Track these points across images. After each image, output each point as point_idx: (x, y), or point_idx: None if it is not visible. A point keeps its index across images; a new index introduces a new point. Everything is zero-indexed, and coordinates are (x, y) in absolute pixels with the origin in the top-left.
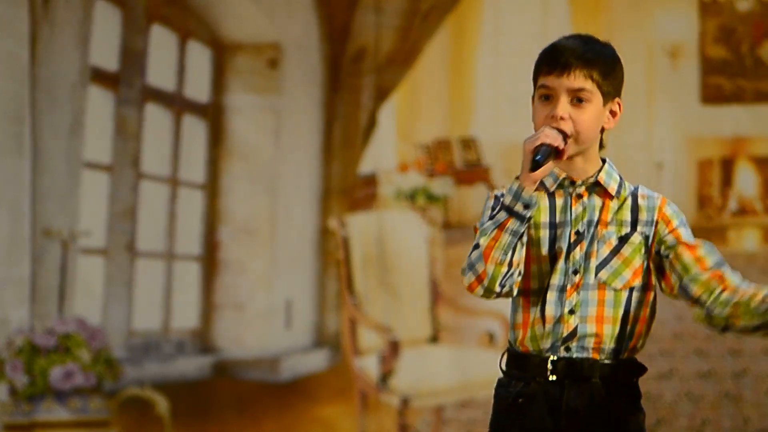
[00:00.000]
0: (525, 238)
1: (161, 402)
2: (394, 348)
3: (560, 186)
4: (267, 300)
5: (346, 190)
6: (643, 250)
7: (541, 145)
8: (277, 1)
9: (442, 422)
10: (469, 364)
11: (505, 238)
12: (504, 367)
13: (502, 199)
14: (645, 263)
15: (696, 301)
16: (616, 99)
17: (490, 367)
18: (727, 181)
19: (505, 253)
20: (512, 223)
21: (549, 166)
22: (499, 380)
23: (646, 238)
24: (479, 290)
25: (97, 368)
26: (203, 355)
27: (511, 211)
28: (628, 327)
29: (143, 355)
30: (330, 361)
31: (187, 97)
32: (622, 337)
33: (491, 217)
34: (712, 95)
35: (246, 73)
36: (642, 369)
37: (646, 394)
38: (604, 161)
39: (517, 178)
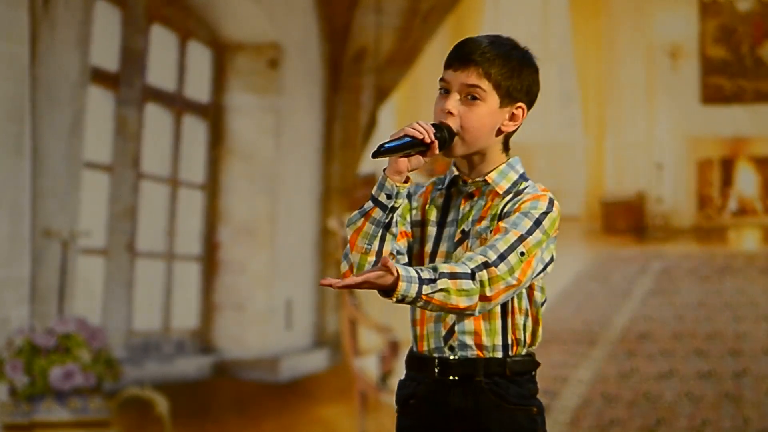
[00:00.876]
0: (396, 230)
1: (161, 402)
2: (393, 348)
3: (454, 185)
4: (267, 300)
5: (346, 190)
6: None
7: (404, 135)
8: (278, 2)
9: None
10: None
11: (368, 227)
12: (406, 366)
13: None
14: None
15: None
16: (518, 103)
17: None
18: (727, 181)
19: (369, 243)
20: (376, 213)
21: (416, 159)
22: (399, 381)
23: None
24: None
25: (97, 368)
26: (203, 355)
27: (375, 201)
28: (508, 320)
29: (143, 355)
30: (330, 362)
31: (188, 97)
32: (504, 331)
33: (360, 207)
34: (712, 95)
35: (246, 73)
36: (533, 364)
37: (645, 395)
38: (507, 161)
39: (384, 170)
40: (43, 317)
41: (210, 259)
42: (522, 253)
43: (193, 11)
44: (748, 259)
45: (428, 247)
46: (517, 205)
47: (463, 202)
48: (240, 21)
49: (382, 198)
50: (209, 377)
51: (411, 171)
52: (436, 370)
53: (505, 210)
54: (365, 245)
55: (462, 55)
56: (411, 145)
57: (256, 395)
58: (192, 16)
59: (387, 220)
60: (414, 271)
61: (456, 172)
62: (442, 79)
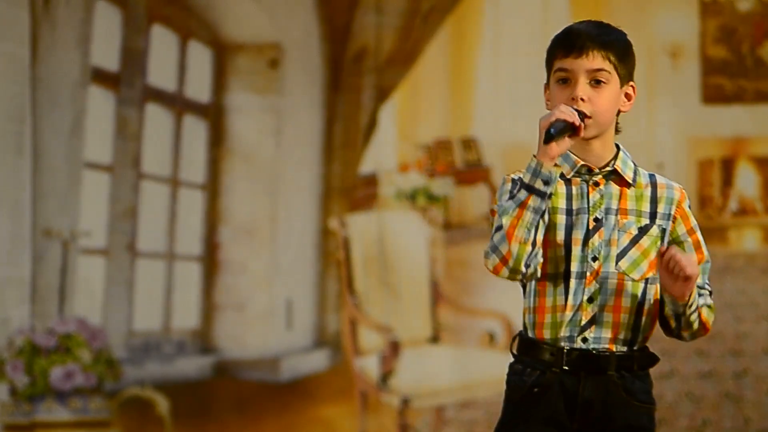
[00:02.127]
0: (546, 217)
1: (162, 402)
2: (394, 348)
3: (577, 173)
4: (267, 300)
5: (347, 190)
6: (659, 243)
7: (556, 120)
8: (278, 2)
9: (443, 422)
10: (470, 364)
11: (528, 216)
12: (515, 352)
13: (521, 178)
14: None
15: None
16: (631, 82)
17: (491, 367)
18: (727, 181)
19: (529, 231)
20: (533, 201)
21: (566, 143)
22: (513, 367)
23: (663, 231)
24: (504, 272)
25: (98, 368)
26: (204, 355)
27: (531, 189)
28: (643, 318)
29: (144, 355)
30: (330, 361)
31: (188, 98)
32: (637, 328)
33: (511, 197)
34: (712, 95)
35: (246, 73)
36: (655, 359)
37: None
38: (618, 148)
39: (534, 156)
40: (43, 317)
41: (210, 259)
42: None
43: (193, 11)
44: (748, 259)
45: (560, 236)
46: (680, 210)
47: (590, 190)
48: (240, 21)
49: (539, 185)
50: (210, 377)
51: (559, 155)
52: (565, 360)
53: (660, 211)
54: (525, 235)
55: (581, 42)
56: (567, 129)
57: (256, 395)
58: (192, 16)
59: (544, 207)
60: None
61: (580, 162)
62: (560, 69)
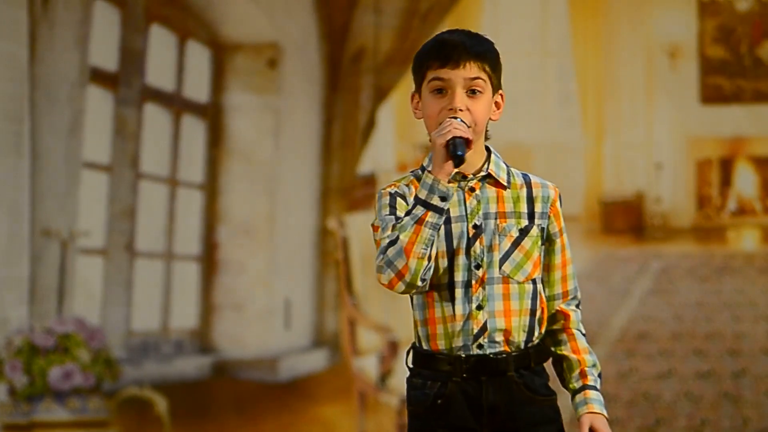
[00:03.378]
0: (441, 231)
1: (160, 402)
2: (393, 348)
3: (452, 181)
4: (266, 300)
5: (345, 190)
6: (540, 242)
7: (454, 138)
8: (277, 2)
9: None
10: None
11: (426, 232)
12: (411, 365)
13: (417, 194)
14: (542, 254)
15: None
16: (500, 91)
17: None
18: (726, 181)
19: (426, 247)
20: (431, 217)
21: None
22: (411, 382)
23: (542, 230)
24: (400, 286)
25: (96, 368)
26: (202, 355)
27: (428, 205)
28: (534, 318)
29: (142, 355)
30: (329, 361)
31: (187, 97)
32: (530, 327)
33: (407, 213)
34: (711, 95)
35: (245, 73)
36: (548, 352)
37: (644, 395)
38: (489, 151)
39: (429, 171)
40: (42, 317)
41: (209, 259)
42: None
43: (192, 11)
44: (747, 259)
45: (441, 246)
46: (553, 209)
47: (466, 196)
48: (239, 21)
49: (436, 201)
50: (208, 377)
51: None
52: (464, 368)
53: (537, 210)
54: (423, 250)
55: (458, 53)
56: (467, 145)
57: (255, 395)
58: (191, 16)
59: (441, 223)
60: (597, 396)
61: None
62: (435, 79)
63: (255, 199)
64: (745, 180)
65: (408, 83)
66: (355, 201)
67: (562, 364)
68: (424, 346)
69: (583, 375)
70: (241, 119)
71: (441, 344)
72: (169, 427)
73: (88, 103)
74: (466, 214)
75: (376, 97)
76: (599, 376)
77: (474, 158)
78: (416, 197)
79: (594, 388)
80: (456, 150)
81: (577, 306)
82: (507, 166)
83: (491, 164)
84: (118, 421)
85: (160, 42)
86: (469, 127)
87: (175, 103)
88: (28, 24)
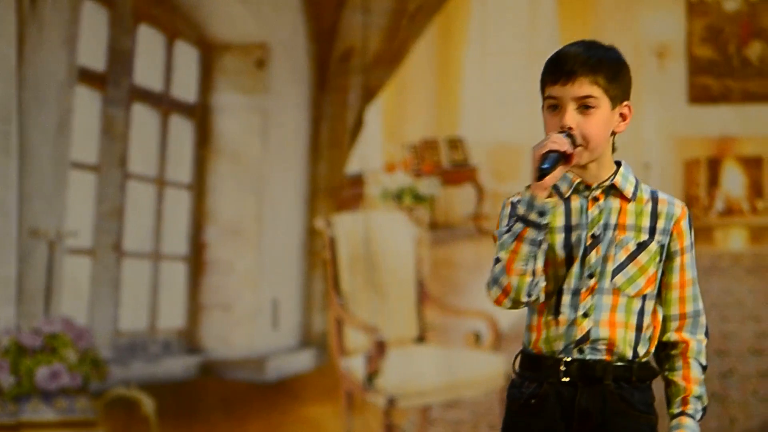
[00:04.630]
0: (545, 246)
1: (147, 402)
2: (380, 348)
3: (575, 191)
4: (254, 300)
5: (333, 190)
6: (658, 259)
7: (549, 151)
8: (265, 2)
9: (429, 422)
10: (456, 364)
11: (525, 248)
12: (517, 369)
13: (517, 210)
14: (659, 271)
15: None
16: (625, 102)
17: (477, 367)
18: (713, 181)
19: (527, 264)
20: (530, 233)
21: (558, 172)
22: (512, 381)
23: (662, 246)
24: (506, 303)
25: (84, 368)
26: (190, 355)
27: (526, 221)
28: (641, 333)
29: (129, 355)
30: (316, 361)
31: (175, 97)
32: (635, 342)
33: (508, 229)
34: (699, 95)
35: (233, 73)
36: (654, 372)
37: None
38: (618, 164)
39: (529, 186)
40: (29, 317)
41: (197, 259)
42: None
43: (180, 11)
44: (734, 259)
45: (559, 255)
46: (677, 227)
47: (589, 205)
48: (227, 21)
49: (534, 217)
50: (196, 377)
51: (552, 185)
52: (562, 370)
53: (659, 226)
54: (523, 267)
55: (567, 69)
56: (560, 160)
57: (242, 395)
58: (179, 16)
59: (541, 239)
60: (696, 415)
61: (577, 179)
62: (549, 97)
63: (243, 199)
64: (733, 180)
65: (396, 83)
66: (343, 201)
67: (670, 389)
68: (529, 350)
69: (684, 402)
70: (229, 119)
71: (543, 348)
72: (157, 427)
73: (76, 103)
74: (586, 223)
75: (364, 97)
76: (704, 410)
77: (599, 172)
78: (516, 212)
79: (691, 417)
80: (543, 163)
81: (705, 335)
82: (636, 180)
83: (618, 176)
84: (106, 422)
85: (148, 42)
86: (577, 145)
87: (163, 103)
88: (15, 24)
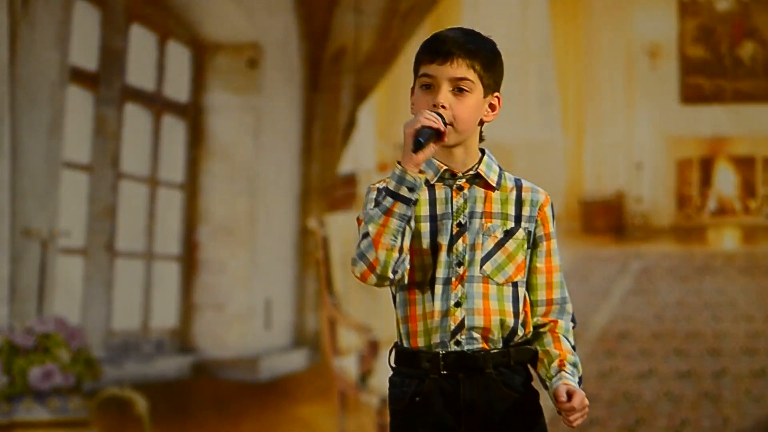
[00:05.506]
0: (413, 224)
1: (140, 402)
2: (373, 348)
3: (440, 179)
4: (246, 300)
5: (326, 189)
6: (525, 246)
7: (422, 127)
8: (257, 2)
9: None
10: None
11: (394, 222)
12: (393, 364)
13: (386, 186)
14: (527, 258)
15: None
16: (496, 93)
17: None
18: (706, 180)
19: (395, 238)
20: (399, 207)
21: (431, 149)
22: (391, 380)
23: (529, 233)
24: (372, 278)
25: (77, 368)
26: (182, 354)
27: (396, 196)
28: (514, 319)
29: (122, 354)
30: (309, 361)
31: (167, 97)
32: (510, 328)
33: (376, 203)
34: (691, 95)
35: (226, 72)
36: (531, 351)
37: (625, 394)
38: (483, 153)
39: (399, 162)
40: (22, 317)
41: (189, 259)
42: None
43: (172, 11)
44: (727, 258)
45: (425, 243)
46: (542, 213)
47: (454, 194)
48: (219, 21)
49: (404, 192)
50: (188, 377)
51: (424, 161)
52: (442, 365)
53: (525, 214)
54: (391, 241)
55: (447, 49)
56: (434, 136)
57: (235, 395)
58: (171, 16)
59: (409, 214)
60: (574, 377)
61: (443, 166)
62: (424, 75)
63: (235, 198)
64: (726, 180)
65: (388, 83)
66: (336, 201)
67: (544, 360)
68: (405, 344)
69: (561, 365)
70: (222, 119)
71: (421, 341)
72: (150, 426)
73: (69, 103)
74: (452, 212)
75: (356, 97)
76: (580, 378)
77: (465, 159)
78: (385, 188)
79: (570, 374)
80: (418, 136)
81: (571, 320)
82: (500, 169)
83: (482, 165)
84: (99, 421)
85: (140, 42)
86: (447, 124)
87: (156, 103)
88: (7, 24)
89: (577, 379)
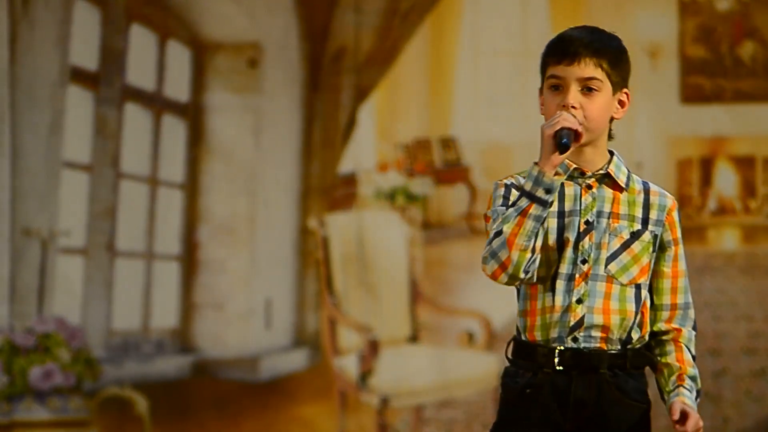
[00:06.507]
0: (545, 224)
1: (141, 402)
2: (373, 347)
3: (570, 177)
4: (246, 299)
5: (326, 189)
6: (651, 249)
7: (562, 129)
8: (257, 1)
9: (422, 422)
10: (449, 364)
11: (529, 224)
12: (510, 356)
13: (522, 185)
14: (652, 261)
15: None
16: (624, 89)
17: (470, 366)
18: (706, 180)
19: (529, 239)
20: (535, 209)
21: (570, 150)
22: (506, 370)
23: (655, 237)
24: (503, 277)
25: (77, 368)
26: (183, 354)
27: (532, 197)
28: (635, 320)
29: (123, 354)
30: (309, 361)
31: (167, 97)
32: (629, 329)
33: (512, 204)
34: (691, 95)
35: (226, 72)
36: (648, 358)
37: None
38: (612, 153)
39: (536, 163)
40: (22, 317)
41: (189, 259)
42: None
43: (172, 11)
44: (727, 258)
45: (552, 239)
46: (669, 218)
47: (583, 192)
48: (220, 20)
49: (540, 193)
50: (189, 377)
51: (561, 163)
52: (557, 360)
53: (652, 217)
54: (525, 242)
55: (573, 50)
56: (573, 136)
57: (235, 394)
58: (171, 16)
59: (545, 216)
60: (692, 392)
61: (572, 165)
62: (552, 76)
63: (236, 198)
64: (726, 180)
65: (388, 83)
66: (336, 200)
67: (664, 371)
68: (523, 337)
69: (680, 379)
70: (222, 119)
71: (538, 335)
72: (150, 426)
73: (69, 103)
74: (580, 210)
75: (356, 97)
76: (698, 392)
77: (594, 158)
78: (522, 188)
79: (688, 390)
80: (561, 138)
81: (693, 328)
82: (628, 171)
83: (612, 165)
84: (99, 421)
85: (140, 41)
86: (580, 124)
87: (156, 103)
88: (8, 23)
89: (695, 394)
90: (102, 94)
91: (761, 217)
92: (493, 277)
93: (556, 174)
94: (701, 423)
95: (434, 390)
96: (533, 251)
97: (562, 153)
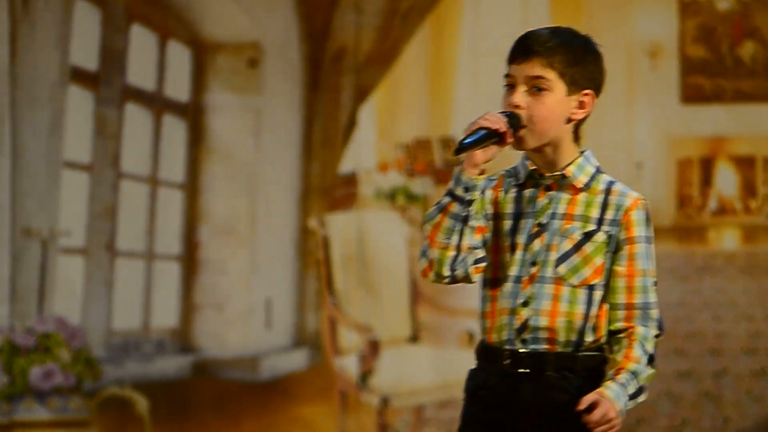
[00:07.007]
0: (474, 223)
1: (141, 401)
2: (373, 347)
3: (530, 178)
4: (247, 299)
5: (326, 189)
6: (605, 249)
7: (477, 128)
8: (258, 1)
9: (422, 422)
10: (449, 364)
11: (448, 221)
12: (476, 357)
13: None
14: (607, 262)
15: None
16: (586, 90)
17: (470, 366)
18: (706, 180)
19: (448, 237)
20: (454, 207)
21: (492, 150)
22: (469, 371)
23: (610, 237)
24: (431, 275)
25: (77, 368)
26: (183, 354)
27: (452, 195)
28: (587, 323)
29: (123, 354)
30: (310, 361)
31: (167, 97)
32: (580, 332)
33: (437, 202)
34: (692, 95)
35: (226, 72)
36: (600, 358)
37: None
38: (581, 154)
39: (461, 162)
40: (22, 317)
41: (190, 259)
42: (655, 291)
43: (172, 10)
44: (727, 258)
45: (506, 241)
46: (626, 217)
47: (540, 194)
48: (220, 20)
49: (460, 192)
50: (189, 376)
51: (485, 163)
52: (506, 362)
53: (607, 217)
54: (444, 240)
55: (524, 48)
56: (487, 137)
57: (236, 394)
58: (172, 16)
59: (465, 214)
60: (625, 386)
61: (532, 166)
62: (507, 75)
63: (236, 198)
64: (726, 180)
65: (388, 83)
66: (336, 200)
67: (607, 368)
68: (484, 339)
69: (616, 373)
70: (222, 119)
71: (494, 337)
72: (150, 426)
73: (69, 103)
74: (534, 212)
75: (357, 97)
76: (639, 389)
77: (556, 159)
78: (448, 187)
79: (620, 384)
80: (465, 138)
81: (657, 328)
82: (595, 171)
83: (572, 166)
84: (99, 421)
85: (140, 41)
86: (522, 126)
87: (156, 103)
88: (8, 23)
89: (631, 388)
90: (102, 94)
91: (761, 217)
92: (423, 274)
93: (515, 178)
94: (612, 413)
95: (434, 390)
96: (458, 249)
97: (457, 153)
